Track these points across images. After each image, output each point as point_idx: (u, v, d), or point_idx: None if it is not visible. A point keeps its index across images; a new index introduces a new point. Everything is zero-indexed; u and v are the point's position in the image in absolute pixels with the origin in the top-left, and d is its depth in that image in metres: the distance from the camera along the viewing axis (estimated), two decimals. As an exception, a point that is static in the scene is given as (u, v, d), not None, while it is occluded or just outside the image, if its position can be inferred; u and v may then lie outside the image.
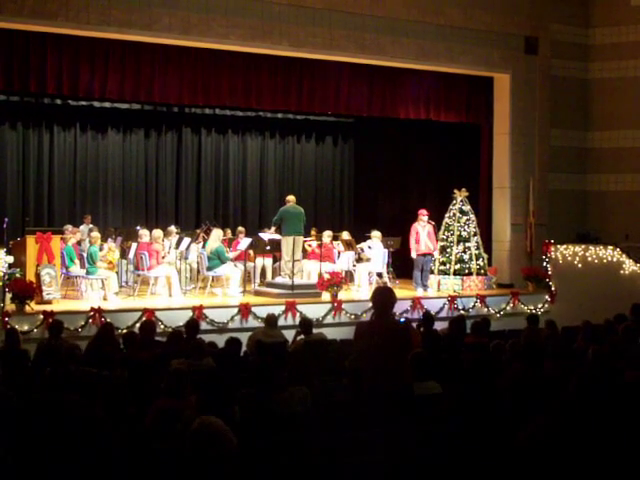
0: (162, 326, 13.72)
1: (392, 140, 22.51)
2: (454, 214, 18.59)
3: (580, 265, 18.88)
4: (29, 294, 13.65)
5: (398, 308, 15.37)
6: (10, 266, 14.12)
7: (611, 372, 7.87)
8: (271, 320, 12.63)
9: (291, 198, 17.31)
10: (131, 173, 22.40)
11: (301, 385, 7.59)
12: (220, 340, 11.32)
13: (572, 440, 5.56)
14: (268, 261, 18.58)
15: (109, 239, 18.14)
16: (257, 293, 16.83)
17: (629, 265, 18.89)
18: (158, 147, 22.71)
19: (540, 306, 17.91)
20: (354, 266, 18.70)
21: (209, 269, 16.47)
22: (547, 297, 18.20)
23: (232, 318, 14.69)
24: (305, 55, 17.31)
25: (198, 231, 18.74)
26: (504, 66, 19.17)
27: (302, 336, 11.73)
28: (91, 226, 19.30)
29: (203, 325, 13.97)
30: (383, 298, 7.90)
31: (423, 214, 18.07)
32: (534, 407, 6.34)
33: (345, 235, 19.13)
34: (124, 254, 17.38)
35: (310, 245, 18.99)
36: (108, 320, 13.22)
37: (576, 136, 20.74)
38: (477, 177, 20.18)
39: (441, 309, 16.73)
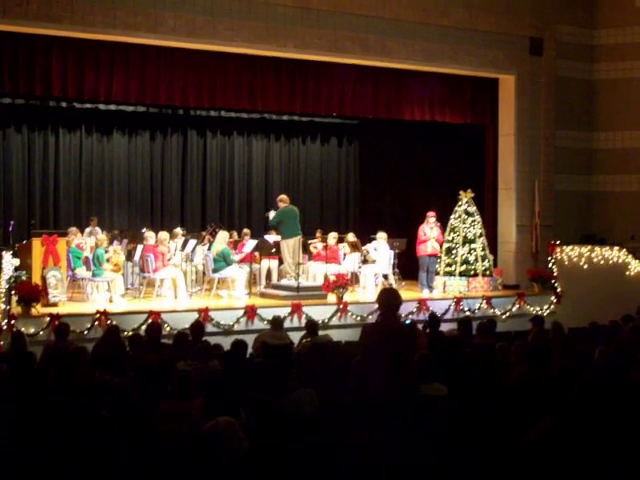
0: (168, 328, 13.72)
1: (397, 141, 22.50)
2: (459, 215, 18.58)
3: (586, 266, 18.85)
4: (35, 297, 13.67)
5: (404, 310, 15.37)
6: (16, 269, 14.12)
7: (618, 373, 7.86)
8: (277, 322, 12.63)
9: (285, 198, 17.25)
10: (136, 175, 22.42)
11: (307, 387, 7.59)
12: (226, 342, 11.31)
13: (579, 441, 5.56)
14: (274, 263, 18.56)
15: (115, 241, 18.17)
16: (263, 295, 16.81)
17: (635, 266, 18.87)
18: (163, 149, 22.74)
19: (546, 307, 17.90)
20: (360, 268, 18.67)
21: (215, 271, 16.47)
22: (553, 298, 18.18)
23: (238, 320, 14.69)
24: (310, 57, 17.33)
25: (204, 233, 18.76)
26: (509, 67, 19.17)
27: (308, 338, 11.73)
28: (96, 228, 19.35)
29: (209, 327, 13.97)
30: (389, 300, 7.90)
31: (431, 215, 18.08)
32: (540, 409, 6.33)
33: (350, 237, 19.11)
34: (130, 256, 17.39)
35: (316, 247, 18.99)
36: (114, 322, 13.26)
37: (582, 137, 20.71)
38: (482, 178, 20.17)
39: (447, 310, 16.71)
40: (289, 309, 15.10)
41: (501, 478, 5.88)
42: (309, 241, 19.18)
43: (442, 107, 19.35)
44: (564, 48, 20.12)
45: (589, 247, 19.05)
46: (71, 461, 5.67)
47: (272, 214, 17.27)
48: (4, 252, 13.91)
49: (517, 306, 17.61)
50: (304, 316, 14.97)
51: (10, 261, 13.83)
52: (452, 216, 18.70)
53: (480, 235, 18.58)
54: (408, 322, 13.95)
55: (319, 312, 15.29)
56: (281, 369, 7.85)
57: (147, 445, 6.29)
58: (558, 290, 18.31)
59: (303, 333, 12.29)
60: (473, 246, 18.38)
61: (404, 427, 6.54)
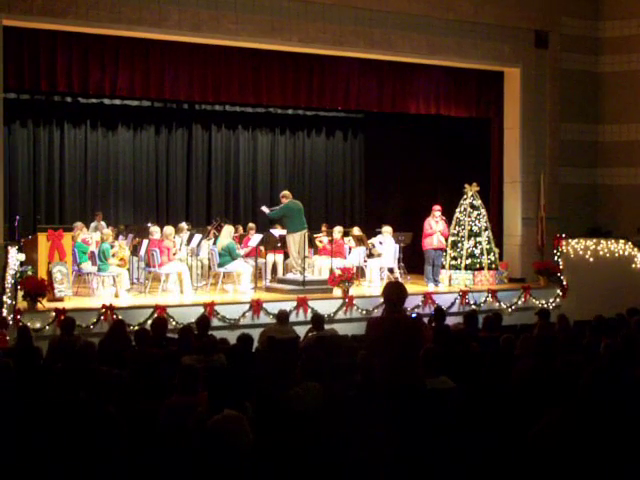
0: (173, 323, 13.74)
1: (402, 135, 22.49)
2: (465, 209, 18.57)
3: (591, 259, 18.84)
4: (41, 291, 13.68)
5: (409, 303, 15.40)
6: (22, 264, 14.15)
7: (624, 366, 7.86)
8: (282, 316, 12.62)
9: (288, 194, 17.23)
10: (142, 170, 22.47)
11: (313, 381, 7.60)
12: (231, 336, 11.34)
13: (585, 435, 5.55)
14: (279, 257, 18.57)
15: (120, 236, 18.20)
16: (268, 289, 16.83)
17: (641, 259, 18.86)
18: (168, 144, 22.77)
19: (552, 300, 17.89)
20: (365, 262, 18.69)
21: (220, 265, 16.49)
22: (559, 291, 18.17)
23: (243, 314, 14.71)
24: (315, 51, 17.33)
25: (209, 227, 18.76)
26: (514, 60, 19.14)
27: (314, 332, 11.73)
28: (102, 223, 19.39)
29: (214, 321, 14.00)
30: (394, 293, 7.89)
31: (437, 209, 18.06)
32: (545, 402, 6.33)
33: (356, 231, 19.12)
34: (135, 251, 17.41)
35: (321, 241, 19.00)
36: (120, 317, 13.28)
37: (587, 130, 20.66)
38: (488, 171, 20.15)
39: (452, 304, 16.71)
40: (295, 303, 15.12)
41: (508, 471, 5.89)
42: (315, 235, 19.17)
43: (447, 100, 19.32)
44: (569, 41, 20.07)
45: (595, 240, 19.02)
46: (77, 456, 5.68)
47: (266, 209, 17.35)
48: (10, 247, 13.96)
49: (523, 299, 17.60)
50: (310, 310, 14.98)
51: (16, 256, 13.87)
52: (457, 210, 18.68)
53: (486, 228, 18.57)
54: (414, 316, 13.94)
55: (325, 306, 15.30)
56: (287, 363, 7.86)
57: (153, 440, 6.30)
58: (564, 283, 18.30)
59: (309, 327, 12.30)
60: (479, 239, 18.37)
61: (410, 421, 6.54)
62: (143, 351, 9.68)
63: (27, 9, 14.47)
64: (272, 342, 10.43)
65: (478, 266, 18.23)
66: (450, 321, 12.66)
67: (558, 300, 18.03)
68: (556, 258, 18.66)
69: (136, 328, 12.49)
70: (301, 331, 12.44)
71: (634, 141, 20.45)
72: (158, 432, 6.62)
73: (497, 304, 17.20)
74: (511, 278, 18.90)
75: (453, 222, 18.60)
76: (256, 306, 14.82)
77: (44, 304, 13.71)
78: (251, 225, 18.94)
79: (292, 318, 14.16)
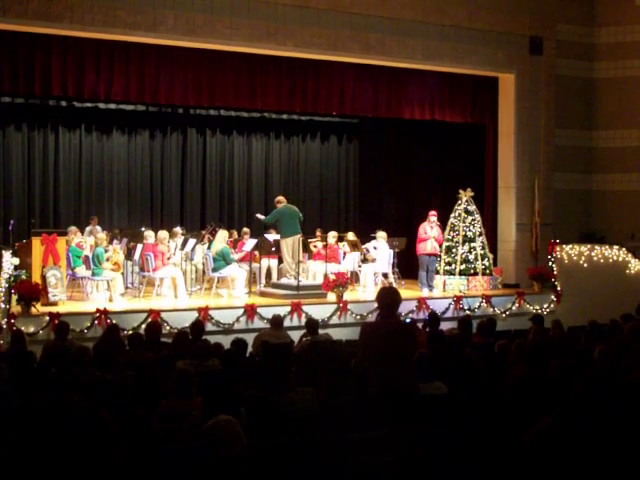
0: (168, 327, 13.72)
1: (397, 140, 22.49)
2: (459, 214, 18.58)
3: (586, 265, 18.85)
4: (35, 296, 13.67)
5: (404, 308, 15.39)
6: (16, 268, 14.13)
7: (618, 372, 7.86)
8: (277, 321, 12.62)
9: (282, 199, 17.29)
10: (136, 174, 22.40)
11: (307, 386, 7.59)
12: (226, 341, 11.32)
13: (579, 441, 5.56)
14: (273, 262, 18.56)
15: (114, 240, 18.17)
16: (262, 294, 16.82)
17: (635, 265, 18.86)
18: (163, 148, 22.72)
19: (546, 306, 17.90)
20: (359, 267, 18.68)
21: (214, 270, 16.48)
22: (553, 297, 18.18)
23: (238, 319, 14.70)
24: (310, 56, 17.33)
25: (203, 232, 18.75)
26: (509, 66, 19.17)
27: (308, 337, 11.73)
28: (97, 227, 19.36)
29: (209, 326, 14.00)
30: (388, 298, 7.89)
31: (432, 215, 18.08)
32: (539, 408, 6.33)
33: (350, 236, 19.11)
34: (129, 255, 17.39)
35: (316, 246, 18.99)
36: (114, 321, 13.27)
37: (581, 136, 20.71)
38: (482, 177, 20.17)
39: (447, 309, 16.72)
40: (289, 308, 15.11)
41: (501, 477, 5.89)
42: (309, 240, 19.17)
43: (442, 106, 19.35)
44: (564, 47, 20.12)
45: (589, 246, 19.05)
46: (71, 461, 5.66)
47: (261, 216, 17.43)
48: (4, 251, 13.92)
49: (517, 305, 17.61)
50: (304, 315, 14.99)
51: (10, 260, 13.84)
52: (452, 215, 18.70)
53: (480, 234, 18.59)
54: (408, 321, 13.95)
55: (319, 311, 15.30)
56: (281, 368, 7.85)
57: (147, 444, 6.29)
58: (558, 289, 18.32)
59: (303, 332, 12.29)
60: (473, 245, 18.38)
61: (404, 426, 6.54)
62: (137, 355, 9.67)
63: (22, 13, 14.45)
64: (266, 347, 10.43)
65: (472, 271, 18.25)
66: (444, 326, 12.66)
67: (552, 306, 18.05)
68: (550, 264, 18.67)
69: (130, 332, 12.52)
70: (295, 336, 12.44)
71: (628, 147, 20.50)
72: (152, 436, 6.61)
73: (491, 309, 17.22)
74: (505, 284, 18.92)
75: (447, 227, 18.61)
76: (250, 311, 14.81)
77: (38, 308, 13.70)
78: (245, 230, 18.93)
79: (286, 323, 14.15)
